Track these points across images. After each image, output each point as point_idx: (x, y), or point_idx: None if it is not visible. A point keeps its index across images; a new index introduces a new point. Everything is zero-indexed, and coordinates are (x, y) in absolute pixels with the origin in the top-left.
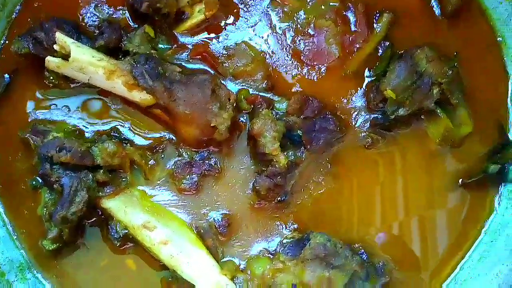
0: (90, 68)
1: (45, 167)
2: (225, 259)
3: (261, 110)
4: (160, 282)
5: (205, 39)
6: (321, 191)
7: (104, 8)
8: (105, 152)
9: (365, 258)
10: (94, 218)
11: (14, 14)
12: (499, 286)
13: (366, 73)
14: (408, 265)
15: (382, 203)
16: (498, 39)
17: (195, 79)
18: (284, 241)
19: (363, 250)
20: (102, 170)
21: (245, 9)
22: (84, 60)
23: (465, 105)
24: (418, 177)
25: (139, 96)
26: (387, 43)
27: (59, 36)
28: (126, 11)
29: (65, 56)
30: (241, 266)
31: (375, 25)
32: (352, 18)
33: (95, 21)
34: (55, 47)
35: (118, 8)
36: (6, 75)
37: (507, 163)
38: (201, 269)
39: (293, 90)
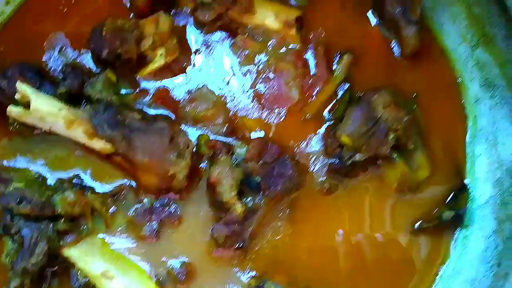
0: (50, 118)
1: (6, 218)
2: None
3: (220, 156)
4: None
5: (166, 83)
6: (279, 237)
7: (68, 51)
8: (65, 202)
9: None
10: (56, 266)
11: None
12: None
13: (326, 115)
14: None
15: (340, 248)
16: (458, 80)
17: (154, 126)
18: None
19: None
20: (63, 219)
21: (206, 52)
22: (44, 110)
23: (423, 148)
24: (376, 222)
25: (99, 145)
26: (347, 85)
27: (20, 86)
28: (90, 54)
29: (27, 104)
30: None
31: (335, 67)
32: (312, 61)
33: (59, 65)
34: (17, 96)
35: (82, 52)
36: None
37: (461, 209)
38: None
39: (253, 134)
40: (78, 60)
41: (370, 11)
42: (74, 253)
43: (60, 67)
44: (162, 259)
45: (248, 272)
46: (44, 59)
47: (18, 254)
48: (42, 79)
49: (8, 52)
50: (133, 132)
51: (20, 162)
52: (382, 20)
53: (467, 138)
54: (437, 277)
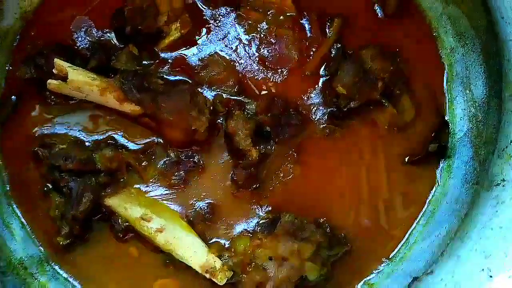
0: (86, 87)
1: (55, 175)
2: (212, 241)
3: (234, 112)
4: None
5: (182, 53)
6: (289, 177)
7: (93, 31)
8: (104, 158)
9: (328, 231)
10: (99, 215)
11: (15, 42)
12: (439, 246)
13: (322, 72)
14: (366, 234)
15: (341, 183)
16: (434, 34)
17: (175, 89)
18: (261, 221)
19: (327, 224)
20: (103, 173)
21: (215, 24)
22: (80, 81)
23: (407, 94)
24: (371, 159)
25: (129, 108)
26: (339, 45)
27: (57, 61)
28: (112, 33)
29: (63, 78)
30: (226, 245)
31: (327, 30)
32: (307, 26)
33: (86, 44)
34: (54, 71)
35: (105, 31)
36: (13, 97)
37: (444, 142)
38: (192, 250)
39: (261, 92)
40: (102, 38)
41: None
42: (114, 201)
43: (87, 45)
44: (191, 202)
45: (265, 208)
46: (72, 39)
47: (67, 205)
48: (74, 56)
49: (40, 35)
50: (158, 95)
51: (59, 129)
52: None
53: (445, 83)
54: (427, 200)
